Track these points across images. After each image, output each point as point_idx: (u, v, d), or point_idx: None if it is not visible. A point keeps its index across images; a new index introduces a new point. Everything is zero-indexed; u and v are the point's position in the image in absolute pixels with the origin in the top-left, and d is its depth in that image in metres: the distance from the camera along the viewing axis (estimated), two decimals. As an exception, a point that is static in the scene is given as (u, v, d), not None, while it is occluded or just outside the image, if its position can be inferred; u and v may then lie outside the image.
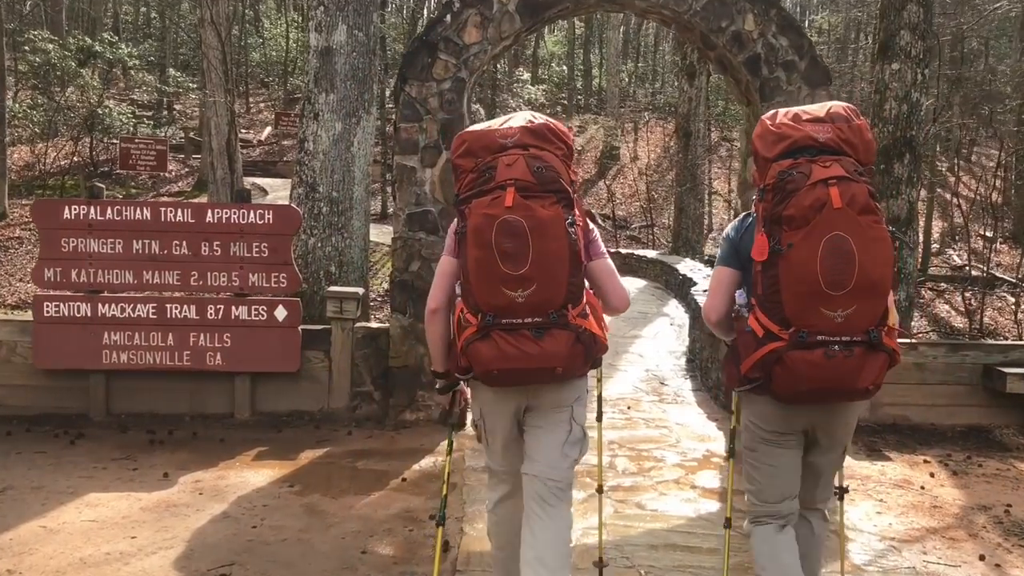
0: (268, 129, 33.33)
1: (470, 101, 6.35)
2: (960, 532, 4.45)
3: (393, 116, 6.12)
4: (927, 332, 14.44)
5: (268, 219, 6.11)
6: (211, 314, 6.10)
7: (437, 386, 3.12)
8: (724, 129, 28.77)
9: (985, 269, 18.06)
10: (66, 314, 6.01)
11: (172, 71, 30.03)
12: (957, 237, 22.97)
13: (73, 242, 6.02)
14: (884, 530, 4.41)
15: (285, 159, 30.63)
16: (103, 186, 6.48)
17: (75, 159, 26.98)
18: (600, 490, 3.46)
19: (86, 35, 28.60)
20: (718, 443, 5.81)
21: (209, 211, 6.10)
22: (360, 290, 6.29)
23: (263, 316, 6.12)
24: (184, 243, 6.08)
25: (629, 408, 6.78)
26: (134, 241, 6.05)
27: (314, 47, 8.13)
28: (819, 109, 2.72)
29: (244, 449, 5.60)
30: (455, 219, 2.75)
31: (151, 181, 26.36)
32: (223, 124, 17.32)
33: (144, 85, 28.38)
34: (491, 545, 3.11)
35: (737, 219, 2.96)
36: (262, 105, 37.84)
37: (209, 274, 6.09)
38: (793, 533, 2.87)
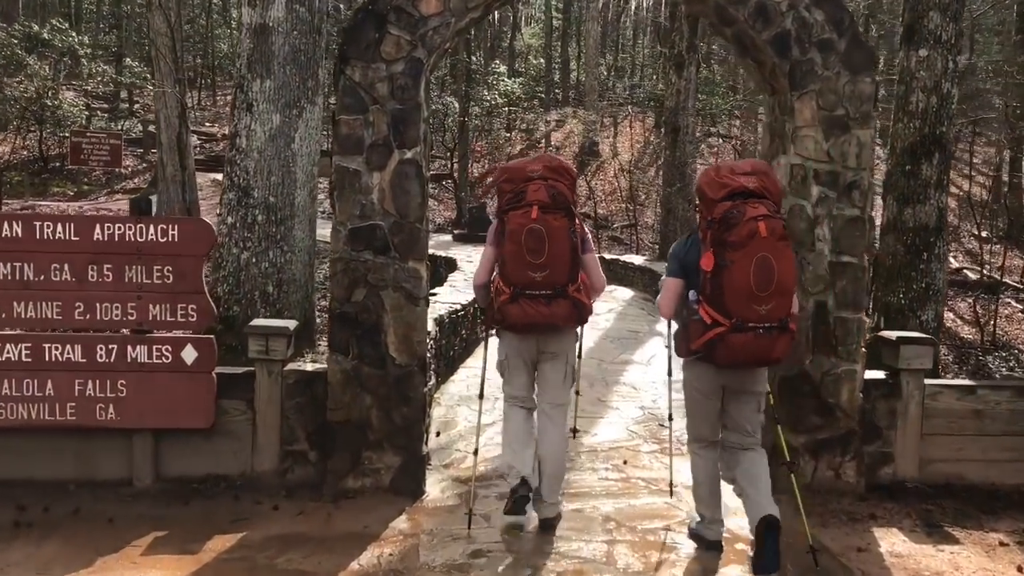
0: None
1: (429, 88, 5.11)
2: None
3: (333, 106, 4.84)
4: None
5: (173, 236, 4.83)
6: (101, 356, 4.82)
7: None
8: (711, 124, 27.61)
9: (986, 272, 17.07)
10: (-88, 357, 4.71)
11: (130, 61, 28.47)
12: (949, 238, 22.04)
13: (-79, 265, 4.72)
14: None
15: (249, 154, 29.11)
16: None
17: (24, 153, 25.44)
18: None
19: (39, 23, 26.97)
20: (740, 516, 4.63)
21: (98, 226, 4.81)
22: (290, 323, 5.03)
23: (167, 358, 4.85)
24: (66, 266, 4.79)
25: (626, 463, 5.58)
26: (0, 264, 4.75)
27: (247, 24, 6.84)
28: (747, 166, 3.93)
29: (137, 534, 4.33)
30: (495, 222, 4.29)
31: (105, 177, 24.85)
32: (173, 117, 15.94)
33: (98, 76, 26.75)
34: (502, 441, 4.51)
35: (679, 241, 4.22)
36: (230, 98, 36.31)
37: (98, 306, 4.81)
38: (716, 455, 4.21)
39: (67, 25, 25.70)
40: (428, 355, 5.51)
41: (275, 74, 6.72)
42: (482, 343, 8.47)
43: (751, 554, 4.06)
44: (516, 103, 30.70)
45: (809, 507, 4.84)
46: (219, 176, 25.92)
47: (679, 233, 14.13)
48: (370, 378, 4.86)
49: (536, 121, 31.92)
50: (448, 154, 27.44)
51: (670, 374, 5.04)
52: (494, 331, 4.52)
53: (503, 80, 31.49)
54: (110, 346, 4.83)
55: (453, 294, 8.32)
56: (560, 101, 37.79)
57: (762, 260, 3.63)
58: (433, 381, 6.37)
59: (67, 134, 23.59)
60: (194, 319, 4.87)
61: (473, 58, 30.40)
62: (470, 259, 12.41)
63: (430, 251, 13.83)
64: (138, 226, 4.81)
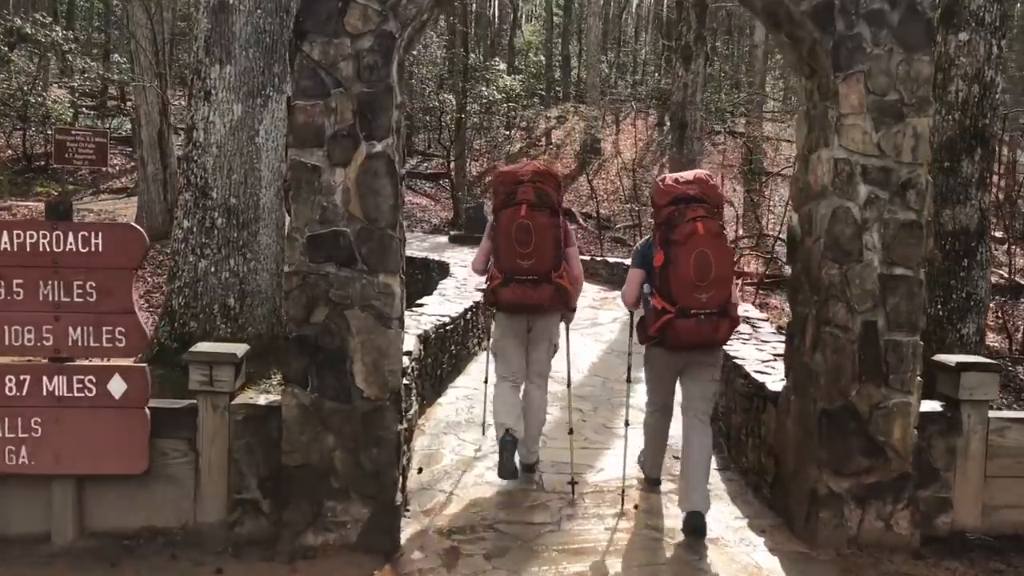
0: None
1: (403, 69, 4.31)
2: None
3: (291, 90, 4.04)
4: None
5: (97, 245, 4.03)
6: (11, 389, 4.04)
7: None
8: (718, 120, 26.74)
9: (1009, 276, 16.29)
10: None
11: (117, 57, 27.65)
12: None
13: None
14: None
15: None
16: None
17: (8, 152, 24.65)
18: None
19: (24, 17, 26.14)
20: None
21: (5, 234, 4.02)
22: (239, 348, 4.23)
23: (91, 391, 4.06)
24: (-31, 281, 4.00)
25: (637, 508, 4.79)
26: None
27: (205, 2, 6.04)
28: (690, 175, 4.55)
29: (45, 608, 3.55)
30: (491, 219, 5.00)
31: (91, 177, 24.04)
32: (154, 113, 15.22)
33: (85, 72, 25.94)
34: (493, 409, 5.07)
35: (643, 241, 4.71)
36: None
37: (6, 329, 4.02)
38: (669, 421, 4.96)
39: (51, 19, 24.82)
40: (406, 382, 4.73)
41: (236, 58, 5.92)
42: (474, 359, 7.81)
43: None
44: (515, 100, 29.90)
45: (855, 568, 4.06)
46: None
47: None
48: (333, 415, 4.07)
49: (536, 118, 31.09)
50: (445, 152, 26.66)
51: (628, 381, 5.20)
52: (492, 312, 5.21)
53: (502, 77, 30.68)
54: (22, 377, 4.04)
55: (442, 305, 7.53)
56: (561, 98, 36.93)
57: (700, 255, 4.18)
58: (415, 408, 5.59)
59: (51, 132, 22.78)
60: (123, 344, 4.07)
61: (472, 55, 29.61)
62: (464, 263, 11.59)
63: (422, 254, 12.97)
64: (54, 233, 4.01)
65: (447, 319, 6.89)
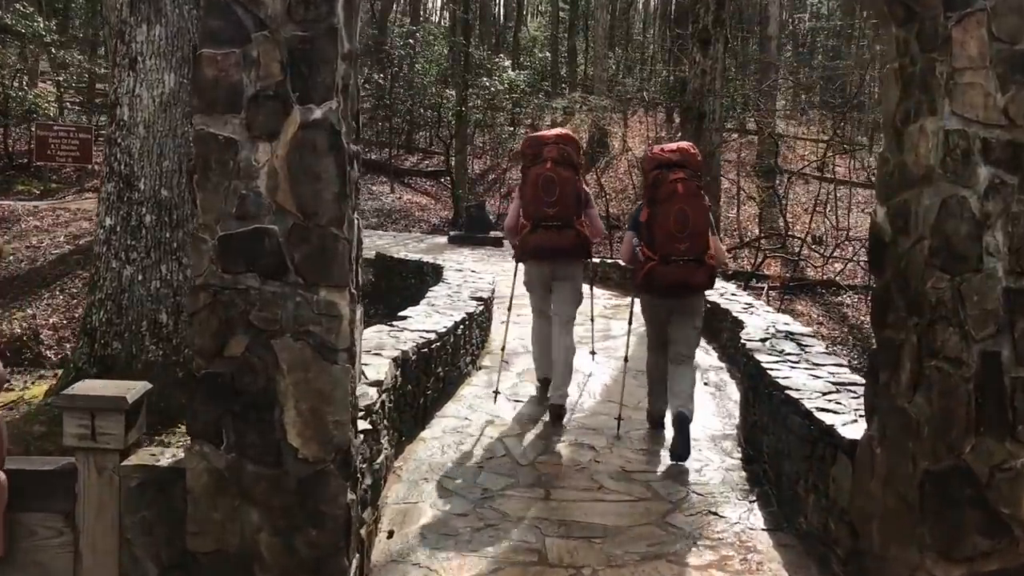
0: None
1: (356, 12, 3.18)
2: None
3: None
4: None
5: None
6: None
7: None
8: (739, 111, 25.43)
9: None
10: None
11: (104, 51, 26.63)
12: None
13: None
14: None
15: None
16: None
17: (-11, 149, 23.60)
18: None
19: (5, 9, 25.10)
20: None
21: None
22: (133, 388, 3.11)
23: (-76, 450, 2.95)
24: None
25: (667, 589, 3.66)
26: None
27: (129, -53, 4.94)
28: (673, 145, 5.38)
29: None
30: (519, 184, 5.89)
31: (76, 175, 22.98)
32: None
33: (70, 67, 24.92)
34: (532, 346, 6.20)
35: (635, 207, 5.68)
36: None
37: None
38: (666, 357, 5.46)
39: (33, 10, 23.75)
40: (372, 425, 3.63)
41: (167, 17, 4.77)
42: (467, 381, 6.81)
43: (669, 443, 5.24)
44: (522, 96, 28.78)
45: None
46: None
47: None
48: (257, 482, 2.96)
49: (541, 112, 29.91)
50: (445, 148, 25.60)
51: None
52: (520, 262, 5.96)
53: (507, 72, 29.53)
54: None
55: (430, 317, 6.40)
56: (567, 92, 35.73)
57: (680, 210, 4.94)
58: (386, 454, 4.47)
59: (33, 128, 21.72)
60: (-33, 385, 2.97)
61: (474, 47, 28.51)
62: (460, 267, 10.49)
63: (417, 256, 11.86)
64: None
65: (433, 335, 5.76)
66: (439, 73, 28.72)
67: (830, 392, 4.46)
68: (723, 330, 8.00)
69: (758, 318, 7.15)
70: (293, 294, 2.93)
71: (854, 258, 15.79)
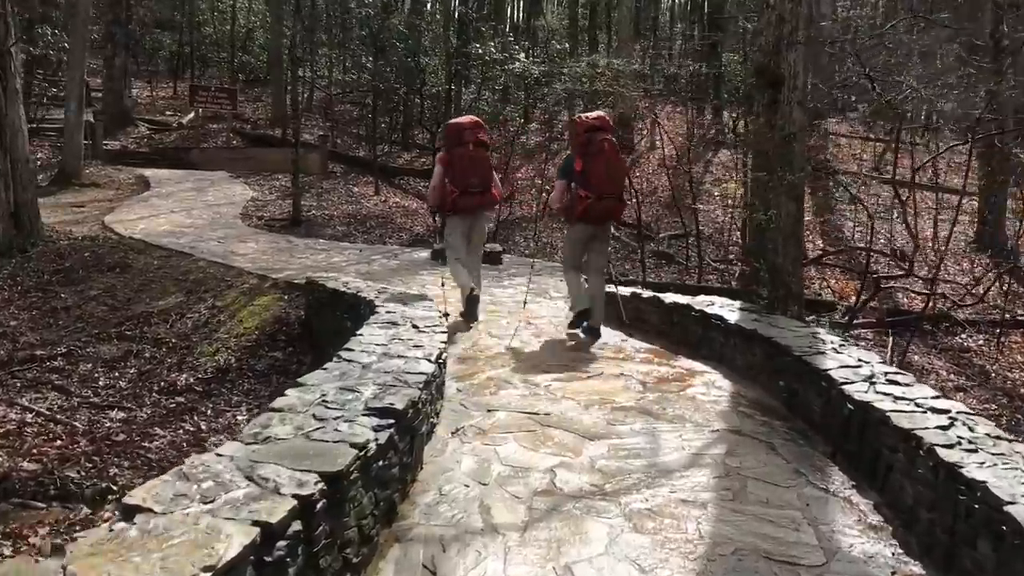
0: (192, 114, 27.12)
1: None
2: None
3: None
4: None
5: None
6: None
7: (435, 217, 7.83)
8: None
9: None
10: None
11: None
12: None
13: None
14: None
15: (203, 146, 23.97)
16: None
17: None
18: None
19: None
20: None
21: None
22: None
23: None
24: None
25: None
26: None
27: None
28: (594, 115, 7.05)
29: None
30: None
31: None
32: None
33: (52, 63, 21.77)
34: (460, 279, 7.47)
35: (566, 158, 7.37)
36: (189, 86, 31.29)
37: None
38: (582, 275, 7.12)
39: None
40: None
41: None
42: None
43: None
44: (537, 87, 25.06)
45: None
46: (159, 171, 20.60)
47: (786, 259, 8.29)
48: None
49: (560, 109, 26.14)
50: (430, 140, 22.01)
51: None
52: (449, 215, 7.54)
53: (519, 60, 25.77)
54: None
55: (322, 413, 2.59)
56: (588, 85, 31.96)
57: (608, 160, 6.76)
58: None
59: None
60: None
61: (491, 45, 24.85)
62: (411, 307, 6.64)
63: (364, 285, 7.82)
64: None
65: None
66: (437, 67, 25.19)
67: None
68: (880, 455, 3.87)
69: (905, 401, 3.23)
70: None
71: (999, 280, 11.75)
